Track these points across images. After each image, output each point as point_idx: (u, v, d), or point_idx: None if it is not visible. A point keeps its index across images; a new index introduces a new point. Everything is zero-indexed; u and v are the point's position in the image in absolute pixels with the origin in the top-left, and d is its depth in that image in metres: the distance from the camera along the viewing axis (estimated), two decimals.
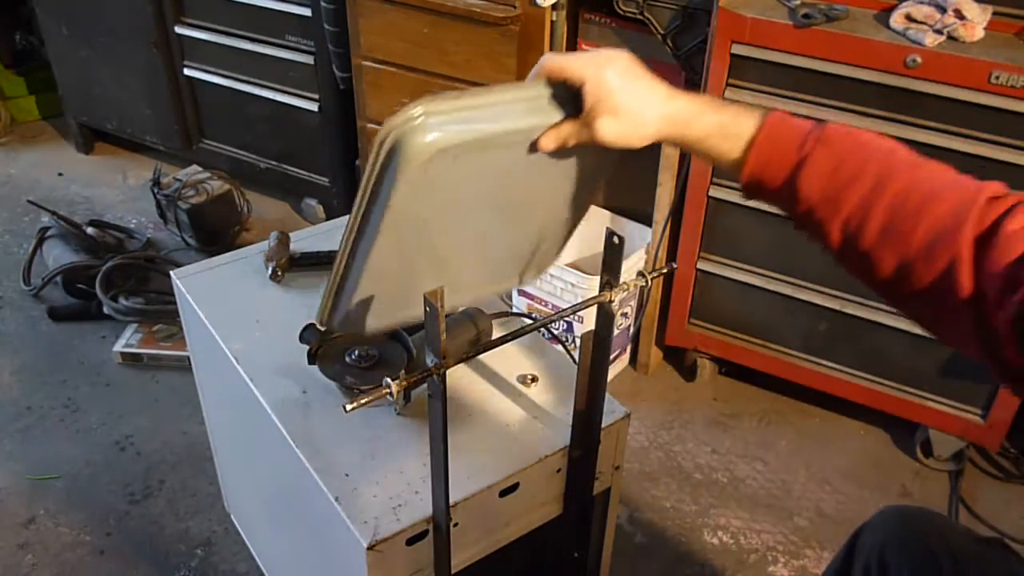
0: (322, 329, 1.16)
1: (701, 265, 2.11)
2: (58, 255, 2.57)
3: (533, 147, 0.92)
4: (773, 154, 0.86)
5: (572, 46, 2.21)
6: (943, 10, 1.68)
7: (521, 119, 0.90)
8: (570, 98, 0.91)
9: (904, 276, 0.80)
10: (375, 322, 1.05)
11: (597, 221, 2.21)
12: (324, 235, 1.55)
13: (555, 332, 1.96)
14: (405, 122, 0.86)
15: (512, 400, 1.22)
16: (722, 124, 0.88)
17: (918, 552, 1.11)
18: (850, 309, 1.96)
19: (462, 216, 0.98)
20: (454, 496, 1.04)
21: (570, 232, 1.12)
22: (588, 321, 1.26)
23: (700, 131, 0.89)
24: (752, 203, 2.09)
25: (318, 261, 1.46)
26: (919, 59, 1.66)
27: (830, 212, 0.83)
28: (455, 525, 1.07)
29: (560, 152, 0.94)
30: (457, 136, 0.87)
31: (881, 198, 0.80)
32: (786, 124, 0.87)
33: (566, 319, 2.12)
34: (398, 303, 1.03)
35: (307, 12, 2.44)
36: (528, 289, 2.19)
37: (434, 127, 0.86)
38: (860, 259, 0.83)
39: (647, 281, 1.01)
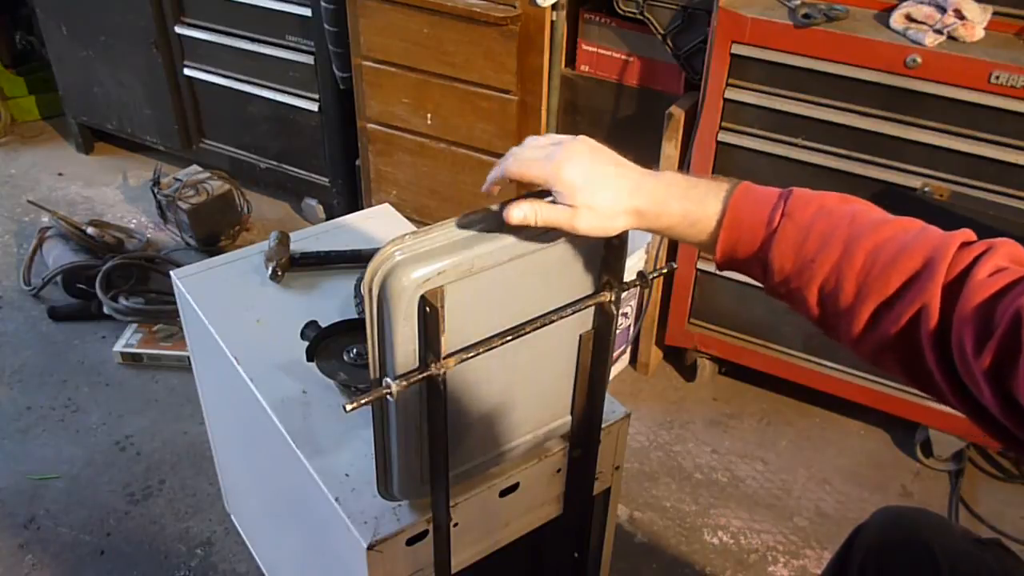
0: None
1: (701, 265, 2.11)
2: (58, 255, 2.57)
3: (520, 240, 0.91)
4: (742, 234, 0.87)
5: (572, 46, 2.21)
6: (943, 10, 1.68)
7: (498, 237, 0.90)
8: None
9: (877, 324, 0.81)
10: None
11: None
12: (324, 235, 1.55)
13: None
14: (383, 262, 0.85)
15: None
16: (687, 213, 0.88)
17: (915, 553, 1.11)
18: None
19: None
20: (454, 496, 1.05)
21: None
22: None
23: (668, 221, 0.89)
24: None
25: (318, 261, 1.46)
26: (919, 59, 1.66)
27: (805, 281, 0.84)
28: (455, 525, 1.07)
29: (551, 256, 0.94)
30: (437, 264, 0.86)
31: (853, 260, 0.81)
32: (751, 199, 0.87)
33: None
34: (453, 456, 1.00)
35: (307, 12, 2.44)
36: None
37: (411, 261, 0.85)
38: (838, 318, 0.84)
39: (647, 281, 1.02)
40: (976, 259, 0.78)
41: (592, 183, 0.87)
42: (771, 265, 0.86)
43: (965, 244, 0.80)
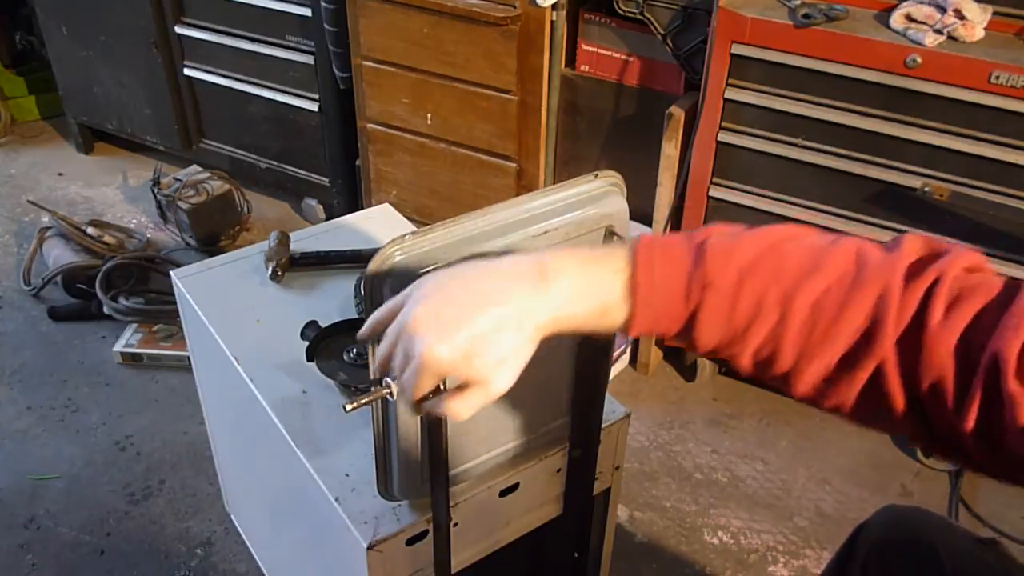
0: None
1: None
2: (58, 255, 2.57)
3: None
4: (659, 317, 0.74)
5: (572, 46, 2.21)
6: (943, 10, 1.68)
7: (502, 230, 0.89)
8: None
9: (829, 388, 0.73)
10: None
11: None
12: (324, 235, 1.55)
13: None
14: (383, 262, 0.85)
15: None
16: (588, 316, 0.74)
17: (918, 552, 1.11)
18: None
19: None
20: (454, 496, 1.05)
21: None
22: None
23: (574, 326, 0.75)
24: (752, 203, 2.08)
25: (318, 261, 1.46)
26: (919, 59, 1.66)
27: (737, 350, 0.74)
28: (455, 525, 1.07)
29: None
30: (437, 264, 0.85)
31: (790, 324, 0.71)
32: (661, 275, 0.73)
33: None
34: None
35: (307, 12, 2.44)
36: None
37: (411, 261, 0.85)
38: (777, 380, 0.75)
39: None
40: (926, 297, 0.69)
41: (471, 350, 0.72)
42: (696, 341, 0.75)
43: (911, 275, 0.70)
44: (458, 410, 0.76)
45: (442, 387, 0.77)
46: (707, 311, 0.73)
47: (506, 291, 0.73)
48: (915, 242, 0.72)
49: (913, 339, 0.69)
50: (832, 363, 0.71)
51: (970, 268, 0.71)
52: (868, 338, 0.69)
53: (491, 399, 0.76)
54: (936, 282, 0.69)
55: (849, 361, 0.71)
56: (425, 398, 0.77)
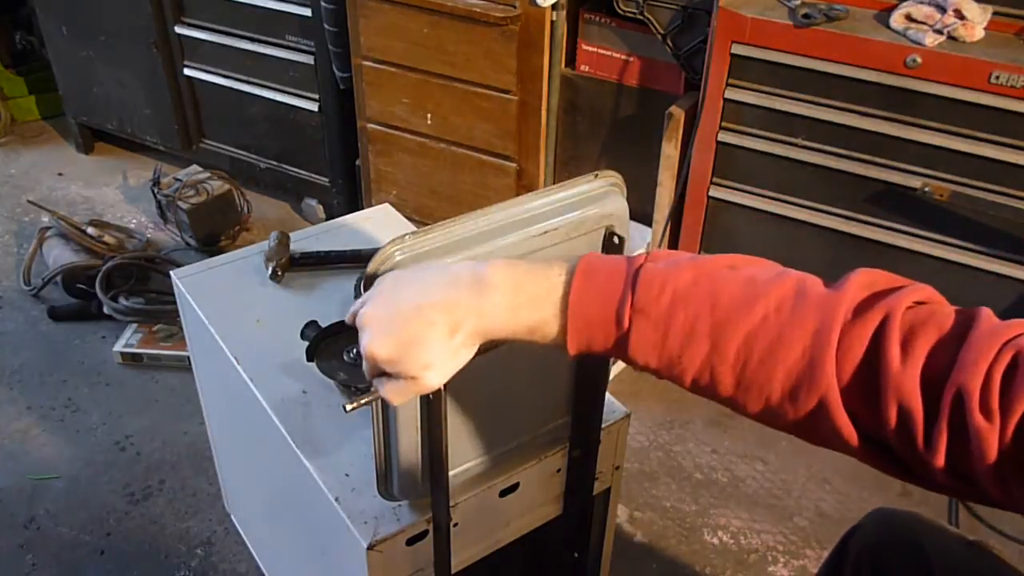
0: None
1: None
2: (58, 255, 2.57)
3: None
4: (591, 336, 0.75)
5: (572, 46, 2.21)
6: (943, 10, 1.68)
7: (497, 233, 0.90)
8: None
9: (775, 421, 0.73)
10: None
11: None
12: (324, 235, 1.55)
13: None
14: (383, 262, 0.85)
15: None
16: (517, 331, 0.76)
17: (909, 554, 1.11)
18: None
19: None
20: (454, 496, 1.05)
21: None
22: None
23: (504, 336, 0.77)
24: (752, 203, 2.08)
25: (318, 261, 1.46)
26: (919, 59, 1.66)
27: (675, 375, 0.74)
28: (455, 525, 1.07)
29: (551, 256, 0.90)
30: (438, 252, 0.86)
31: (725, 355, 0.70)
32: (592, 294, 0.74)
33: None
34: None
35: (307, 12, 2.44)
36: None
37: (411, 261, 0.86)
38: (724, 403, 0.74)
39: None
40: (877, 335, 0.67)
41: (403, 351, 0.77)
42: (633, 362, 0.75)
43: (858, 312, 0.68)
44: (390, 396, 0.81)
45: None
46: (637, 335, 0.73)
47: (442, 301, 0.76)
48: (864, 277, 0.71)
49: (865, 380, 0.68)
50: (772, 396, 0.71)
51: (920, 301, 0.70)
52: (807, 373, 0.68)
53: (424, 392, 0.81)
54: (886, 319, 0.68)
55: (790, 394, 0.70)
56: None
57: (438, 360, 0.78)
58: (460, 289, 0.77)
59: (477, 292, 0.76)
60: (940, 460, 0.66)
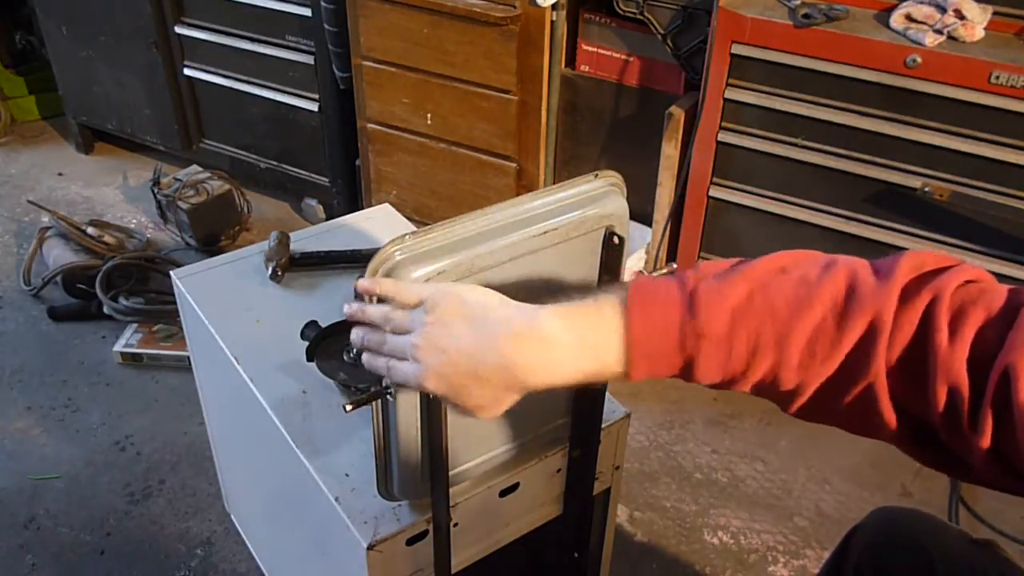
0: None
1: None
2: (58, 255, 2.57)
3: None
4: (656, 370, 0.76)
5: (572, 46, 2.21)
6: (943, 10, 1.68)
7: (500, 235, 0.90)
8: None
9: (817, 408, 0.75)
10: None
11: None
12: (324, 235, 1.55)
13: None
14: (383, 262, 0.85)
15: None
16: (586, 378, 0.77)
17: (911, 553, 1.11)
18: None
19: None
20: (454, 496, 1.05)
21: None
22: None
23: (564, 382, 0.77)
24: (752, 203, 2.08)
25: (318, 261, 1.46)
26: (919, 59, 1.66)
27: (739, 385, 0.76)
28: (455, 525, 1.07)
29: (551, 256, 0.92)
30: (437, 264, 0.86)
31: (789, 363, 0.72)
32: (651, 327, 0.74)
33: None
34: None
35: (307, 12, 2.44)
36: None
37: (411, 261, 0.86)
38: (777, 401, 0.77)
39: None
40: (926, 317, 0.69)
41: (455, 394, 0.79)
42: (697, 382, 0.76)
43: (905, 296, 0.70)
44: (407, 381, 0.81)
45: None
46: (703, 359, 0.74)
47: (499, 364, 0.76)
48: (913, 260, 0.72)
49: (913, 363, 0.68)
50: (826, 388, 0.72)
51: (970, 280, 0.71)
52: (859, 362, 0.70)
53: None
54: (934, 301, 0.68)
55: (842, 385, 0.71)
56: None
57: (490, 405, 0.79)
58: (519, 347, 0.76)
59: (537, 351, 0.76)
60: (985, 441, 0.66)
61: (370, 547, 1.02)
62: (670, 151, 2.05)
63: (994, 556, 1.10)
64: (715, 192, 2.00)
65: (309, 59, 2.53)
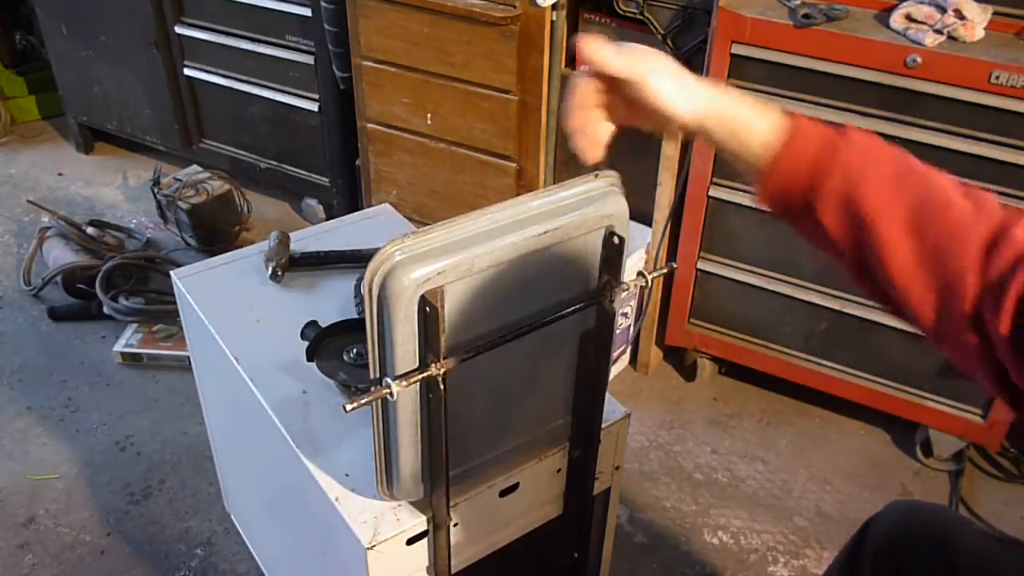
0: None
1: (701, 265, 2.11)
2: (58, 255, 2.57)
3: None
4: (799, 159, 0.85)
5: (572, 46, 2.20)
6: (943, 10, 1.68)
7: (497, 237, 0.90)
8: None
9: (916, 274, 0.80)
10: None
11: None
12: (324, 235, 1.55)
13: None
14: (383, 262, 0.85)
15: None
16: (736, 128, 0.86)
17: (931, 546, 1.09)
18: (850, 309, 1.96)
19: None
20: (454, 496, 1.05)
21: None
22: None
23: (716, 132, 0.86)
24: (752, 203, 2.08)
25: (318, 261, 1.46)
26: (919, 59, 1.66)
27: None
28: (455, 525, 1.07)
29: (551, 256, 0.93)
30: (437, 264, 0.86)
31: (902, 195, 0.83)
32: (810, 133, 0.85)
33: None
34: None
35: (307, 12, 2.44)
36: None
37: (411, 261, 0.86)
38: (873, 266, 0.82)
39: (647, 281, 1.02)
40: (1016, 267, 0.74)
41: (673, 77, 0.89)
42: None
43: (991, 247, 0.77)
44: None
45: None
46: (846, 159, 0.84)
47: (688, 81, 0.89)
48: (990, 223, 0.81)
49: (998, 244, 0.76)
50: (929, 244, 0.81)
51: None
52: (966, 228, 0.80)
53: (635, 87, 0.92)
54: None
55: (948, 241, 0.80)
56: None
57: (687, 82, 0.88)
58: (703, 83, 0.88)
59: (713, 88, 0.88)
60: (1006, 322, 0.70)
61: (370, 547, 1.02)
62: (670, 151, 2.05)
63: (1018, 555, 1.07)
64: (715, 192, 2.00)
65: (309, 59, 2.53)
